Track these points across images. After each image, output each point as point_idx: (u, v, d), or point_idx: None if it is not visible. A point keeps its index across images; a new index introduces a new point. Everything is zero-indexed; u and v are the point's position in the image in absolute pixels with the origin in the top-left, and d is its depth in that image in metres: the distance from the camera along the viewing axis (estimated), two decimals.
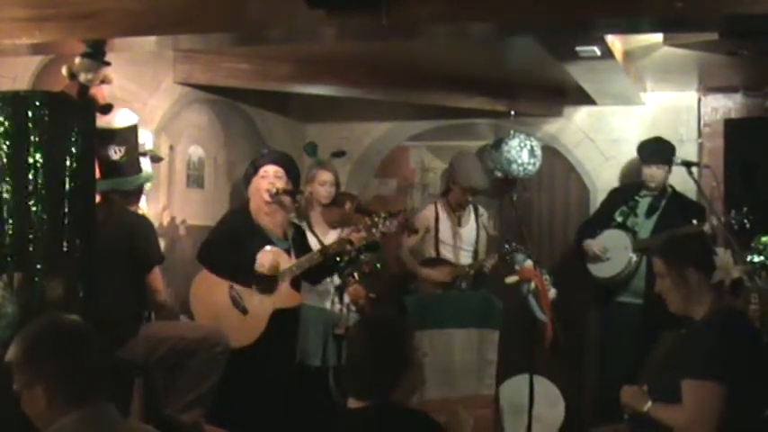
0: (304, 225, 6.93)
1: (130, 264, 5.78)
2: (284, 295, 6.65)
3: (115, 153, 5.95)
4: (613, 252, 7.65)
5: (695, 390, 4.16)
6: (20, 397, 3.20)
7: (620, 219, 7.74)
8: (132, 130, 5.96)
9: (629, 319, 7.53)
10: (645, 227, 7.70)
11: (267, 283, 6.61)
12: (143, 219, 6.12)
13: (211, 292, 6.62)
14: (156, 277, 6.04)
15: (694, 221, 7.32)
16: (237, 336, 6.49)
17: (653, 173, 7.69)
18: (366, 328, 3.93)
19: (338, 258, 6.72)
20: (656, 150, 7.76)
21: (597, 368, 8.09)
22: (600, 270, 7.73)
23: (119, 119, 5.91)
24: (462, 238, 7.93)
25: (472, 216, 8.02)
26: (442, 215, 7.93)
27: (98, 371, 3.23)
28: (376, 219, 6.82)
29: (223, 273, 6.64)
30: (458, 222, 7.94)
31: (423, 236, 7.90)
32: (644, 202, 7.79)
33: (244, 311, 6.61)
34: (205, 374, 5.99)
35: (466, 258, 7.89)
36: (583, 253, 7.81)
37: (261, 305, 6.62)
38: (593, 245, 7.71)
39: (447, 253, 7.90)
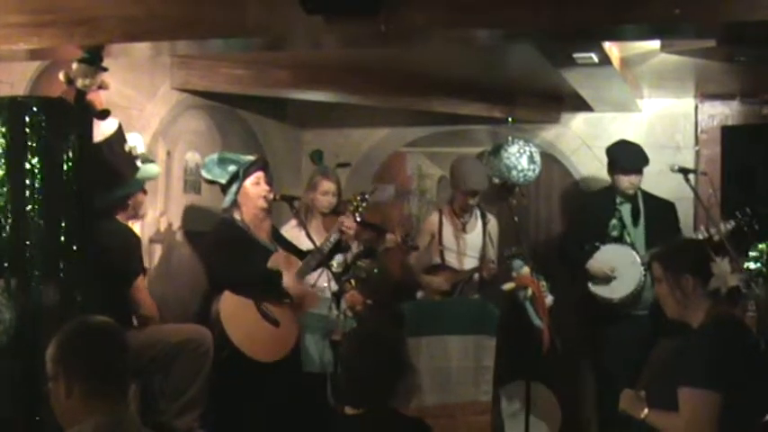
0: (301, 232, 6.93)
1: (109, 275, 5.75)
2: (308, 298, 6.71)
3: (128, 146, 6.02)
4: (621, 269, 7.46)
5: (692, 398, 4.16)
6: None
7: (615, 233, 7.63)
8: (116, 137, 5.92)
9: (637, 330, 7.42)
10: (637, 235, 7.65)
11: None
12: (125, 229, 6.10)
13: (240, 311, 6.61)
14: (140, 290, 6.02)
15: (702, 227, 7.32)
16: (275, 349, 6.55)
17: (632, 180, 7.65)
18: (358, 339, 3.95)
19: (336, 252, 6.80)
20: (636, 158, 7.72)
21: (603, 380, 7.94)
22: (610, 291, 7.49)
23: (108, 124, 5.91)
24: (467, 245, 7.82)
25: (479, 222, 7.89)
26: (446, 221, 7.83)
27: (116, 372, 3.28)
28: (356, 202, 6.90)
29: (250, 293, 6.64)
30: (462, 228, 7.86)
31: (429, 242, 7.87)
32: (625, 210, 7.72)
33: (275, 323, 6.62)
34: (192, 377, 5.99)
35: (470, 265, 7.77)
36: (572, 269, 7.72)
37: (289, 313, 6.66)
38: (602, 266, 7.51)
39: (451, 259, 7.80)
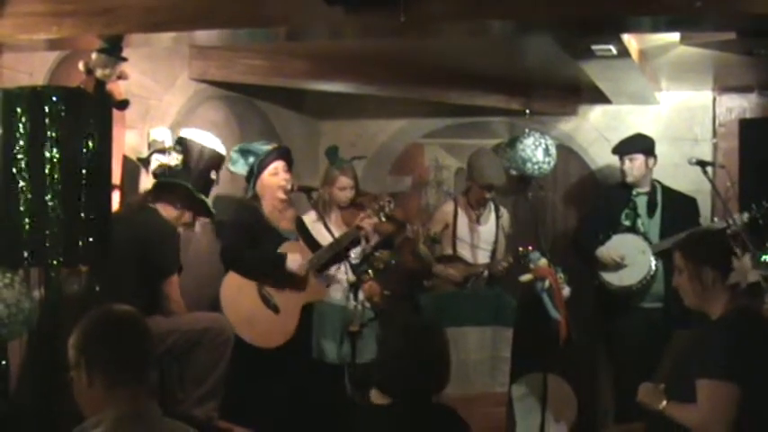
0: (320, 224, 6.94)
1: (144, 267, 5.78)
2: (313, 289, 6.71)
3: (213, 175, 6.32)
4: (631, 258, 7.50)
5: (710, 389, 4.17)
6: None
7: (627, 222, 7.66)
8: (212, 156, 6.33)
9: (651, 324, 7.44)
10: (651, 227, 7.66)
11: (295, 278, 6.65)
12: (167, 224, 6.12)
13: (241, 294, 6.64)
14: (173, 286, 6.03)
15: (716, 219, 7.34)
16: (272, 335, 6.56)
17: (626, 166, 7.71)
18: (406, 330, 3.95)
19: (352, 247, 6.80)
20: (629, 142, 7.81)
21: (616, 374, 7.95)
22: (619, 279, 7.55)
23: (217, 144, 6.32)
24: (480, 237, 7.84)
25: (492, 215, 7.91)
26: (461, 212, 7.85)
27: (139, 361, 3.28)
28: (382, 202, 6.88)
29: (254, 276, 6.66)
30: (476, 220, 7.87)
31: (441, 232, 7.88)
32: (641, 201, 7.74)
33: (275, 310, 6.64)
34: (211, 366, 6.00)
35: (483, 258, 7.78)
36: (588, 261, 7.72)
37: (291, 301, 6.66)
38: (611, 253, 7.55)
39: (464, 251, 7.80)
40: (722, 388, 4.15)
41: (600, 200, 8.17)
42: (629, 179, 7.71)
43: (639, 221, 7.64)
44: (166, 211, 6.11)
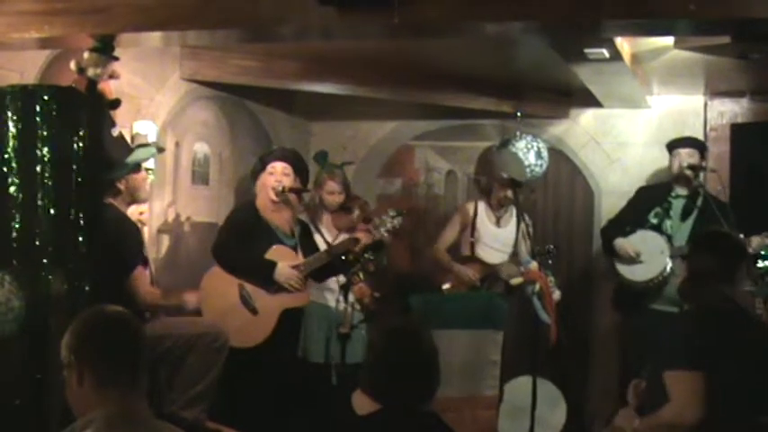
0: (312, 227, 6.94)
1: (108, 263, 5.69)
2: (294, 295, 6.67)
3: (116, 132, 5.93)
4: (648, 255, 7.44)
5: (677, 380, 4.22)
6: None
7: (654, 221, 7.58)
8: None
9: (663, 326, 7.40)
10: (680, 230, 7.57)
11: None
12: (123, 217, 6.00)
13: (221, 290, 6.62)
14: (138, 280, 5.95)
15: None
16: (245, 336, 6.51)
17: (683, 158, 7.60)
18: (394, 333, 3.91)
19: (344, 257, 6.74)
20: (686, 138, 7.78)
21: (622, 373, 7.90)
22: (632, 272, 7.50)
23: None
24: (500, 240, 7.83)
25: (513, 219, 7.84)
26: (481, 213, 7.86)
27: (130, 362, 3.25)
28: (384, 217, 6.86)
29: (240, 275, 6.64)
30: (497, 223, 7.88)
31: (460, 232, 7.88)
32: (677, 204, 7.65)
33: (254, 311, 6.62)
34: (204, 370, 5.97)
35: (502, 260, 7.74)
36: (611, 252, 7.66)
37: (270, 305, 6.64)
38: (627, 246, 7.49)
39: (482, 252, 7.80)
40: (685, 377, 4.20)
41: (637, 196, 8.07)
42: (688, 172, 7.58)
43: (669, 223, 7.56)
44: (122, 205, 6.02)
